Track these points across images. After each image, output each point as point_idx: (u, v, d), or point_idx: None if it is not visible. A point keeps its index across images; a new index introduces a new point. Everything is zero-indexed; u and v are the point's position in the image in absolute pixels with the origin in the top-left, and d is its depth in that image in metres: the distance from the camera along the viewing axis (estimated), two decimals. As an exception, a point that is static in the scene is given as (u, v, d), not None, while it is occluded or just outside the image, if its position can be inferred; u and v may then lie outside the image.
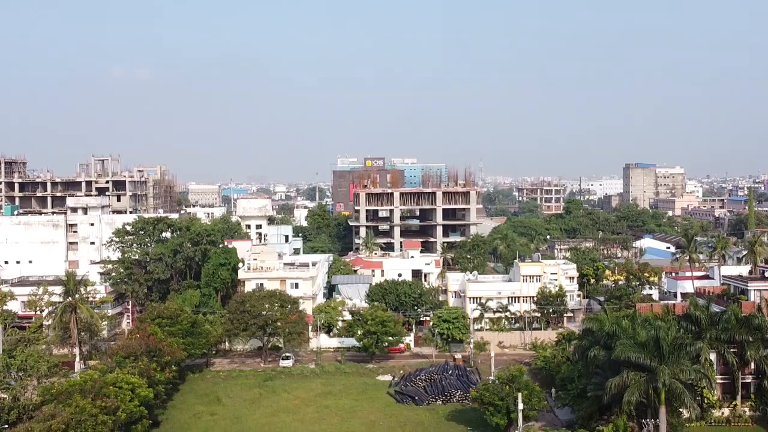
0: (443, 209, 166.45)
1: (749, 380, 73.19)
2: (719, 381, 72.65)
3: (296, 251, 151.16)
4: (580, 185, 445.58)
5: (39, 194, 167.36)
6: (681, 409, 63.56)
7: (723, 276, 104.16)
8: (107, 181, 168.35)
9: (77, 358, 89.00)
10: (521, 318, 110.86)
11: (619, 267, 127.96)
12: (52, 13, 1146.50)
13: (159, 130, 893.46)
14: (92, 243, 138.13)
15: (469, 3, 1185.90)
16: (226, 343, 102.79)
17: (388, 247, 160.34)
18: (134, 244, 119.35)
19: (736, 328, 70.64)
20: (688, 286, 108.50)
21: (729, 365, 71.53)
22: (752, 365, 72.40)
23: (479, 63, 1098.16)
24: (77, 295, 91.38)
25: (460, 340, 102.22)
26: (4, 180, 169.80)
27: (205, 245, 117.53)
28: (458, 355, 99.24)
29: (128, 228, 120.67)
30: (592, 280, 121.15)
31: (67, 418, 58.41)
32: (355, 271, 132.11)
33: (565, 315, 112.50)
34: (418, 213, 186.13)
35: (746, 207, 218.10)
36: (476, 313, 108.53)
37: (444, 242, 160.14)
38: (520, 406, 64.64)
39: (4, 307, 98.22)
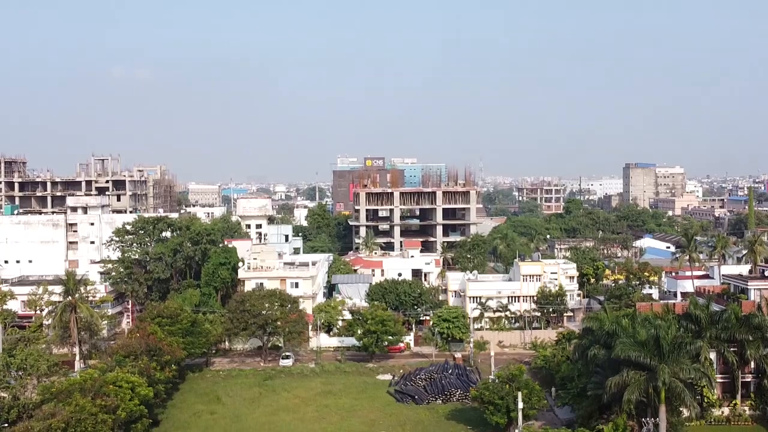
0: (443, 209, 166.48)
1: (749, 379, 73.21)
2: (719, 380, 72.70)
3: (296, 251, 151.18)
4: (580, 185, 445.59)
5: (39, 194, 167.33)
6: (681, 408, 63.53)
7: (723, 275, 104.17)
8: (107, 181, 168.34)
9: (77, 358, 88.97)
10: (521, 317, 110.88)
11: (619, 266, 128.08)
12: (52, 13, 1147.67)
13: (159, 130, 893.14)
14: (92, 242, 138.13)
15: (469, 3, 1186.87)
16: (226, 343, 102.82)
17: (388, 247, 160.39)
18: (134, 244, 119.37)
19: (736, 327, 70.63)
20: (688, 286, 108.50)
21: (729, 364, 71.55)
22: (752, 364, 72.43)
23: (479, 63, 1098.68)
24: (77, 295, 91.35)
25: (460, 340, 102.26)
26: (4, 179, 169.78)
27: (205, 245, 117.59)
28: (458, 355, 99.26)
29: (128, 227, 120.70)
30: (592, 280, 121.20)
31: (66, 416, 58.42)
32: (355, 270, 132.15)
33: (565, 314, 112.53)
34: (418, 213, 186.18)
35: (746, 207, 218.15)
36: (476, 313, 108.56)
37: (444, 242, 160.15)
38: (520, 405, 64.65)
39: (4, 307, 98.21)
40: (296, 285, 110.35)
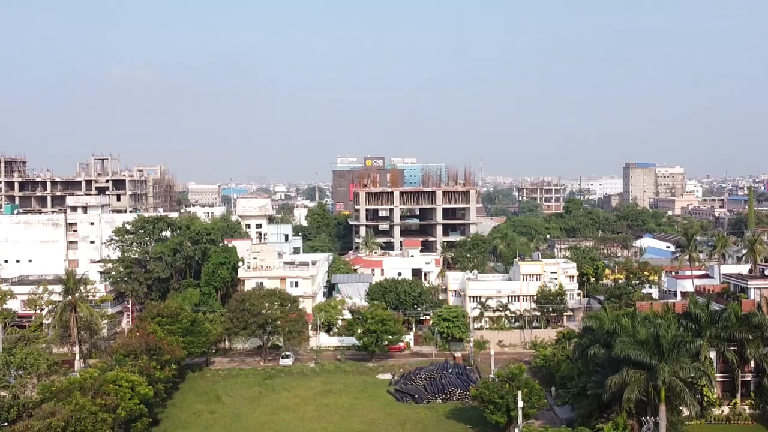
0: (443, 208, 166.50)
1: (749, 378, 73.21)
2: (719, 379, 72.70)
3: (296, 250, 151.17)
4: (579, 185, 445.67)
5: (39, 193, 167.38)
6: (681, 407, 63.54)
7: (723, 274, 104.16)
8: (107, 181, 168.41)
9: (77, 357, 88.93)
10: (521, 317, 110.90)
11: (619, 266, 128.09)
12: (52, 13, 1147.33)
13: (159, 130, 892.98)
14: (92, 242, 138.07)
15: (469, 3, 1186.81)
16: (226, 342, 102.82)
17: (388, 247, 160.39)
18: (134, 243, 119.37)
19: (736, 326, 70.64)
20: (688, 285, 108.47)
21: (729, 363, 71.56)
22: (752, 363, 72.45)
23: (479, 63, 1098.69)
24: (77, 294, 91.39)
25: (460, 339, 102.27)
26: (3, 179, 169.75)
27: (205, 244, 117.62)
28: (458, 354, 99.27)
29: (128, 227, 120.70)
30: (592, 279, 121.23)
31: (66, 415, 58.43)
32: (355, 270, 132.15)
33: (564, 314, 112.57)
34: (417, 212, 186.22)
35: (746, 206, 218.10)
36: (476, 312, 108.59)
37: (444, 241, 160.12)
38: (520, 403, 64.63)
39: (4, 306, 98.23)
40: (296, 284, 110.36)
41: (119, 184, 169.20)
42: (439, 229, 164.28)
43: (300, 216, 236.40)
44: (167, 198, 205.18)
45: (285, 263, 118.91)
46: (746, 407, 72.48)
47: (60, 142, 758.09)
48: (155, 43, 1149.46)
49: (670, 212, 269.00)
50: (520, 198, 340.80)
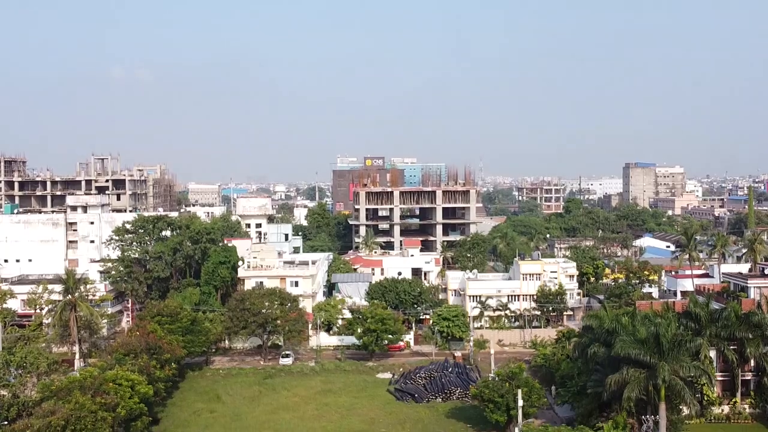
0: (443, 208, 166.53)
1: (749, 377, 73.24)
2: (719, 378, 72.69)
3: (296, 250, 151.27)
4: (579, 185, 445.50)
5: (39, 193, 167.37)
6: (681, 406, 63.60)
7: (723, 273, 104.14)
8: (107, 180, 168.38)
9: (77, 356, 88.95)
10: (521, 316, 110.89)
11: (618, 265, 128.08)
12: (52, 13, 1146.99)
13: (159, 130, 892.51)
14: (92, 241, 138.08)
15: (468, 3, 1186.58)
16: (226, 341, 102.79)
17: (388, 246, 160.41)
18: (134, 243, 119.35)
19: (736, 325, 70.65)
20: (687, 285, 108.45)
21: (729, 362, 71.55)
22: (752, 362, 72.48)
23: (479, 63, 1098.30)
24: (77, 293, 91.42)
25: (460, 338, 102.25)
26: (3, 179, 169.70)
27: (205, 243, 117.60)
28: (458, 353, 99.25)
29: (128, 226, 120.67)
30: (592, 279, 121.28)
31: (66, 414, 58.39)
32: (355, 269, 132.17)
33: (564, 313, 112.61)
34: (417, 212, 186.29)
35: (746, 206, 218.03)
36: (476, 312, 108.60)
37: (444, 241, 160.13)
38: (520, 402, 64.57)
39: (4, 306, 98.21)
40: (296, 284, 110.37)
41: (119, 184, 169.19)
42: (439, 229, 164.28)
43: (300, 216, 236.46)
44: (167, 198, 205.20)
45: (285, 263, 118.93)
46: (746, 406, 72.50)
47: (60, 141, 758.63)
48: (155, 43, 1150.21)
49: (670, 212, 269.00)
50: (520, 198, 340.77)
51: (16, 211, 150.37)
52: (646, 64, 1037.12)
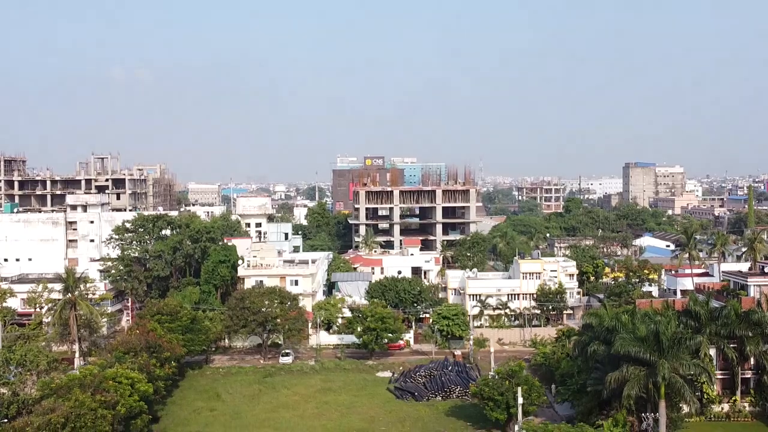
0: (443, 207, 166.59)
1: (749, 375, 73.14)
2: (719, 376, 72.63)
3: (296, 249, 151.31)
4: (579, 184, 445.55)
5: (38, 192, 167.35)
6: (681, 404, 63.63)
7: (723, 271, 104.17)
8: (107, 180, 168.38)
9: (77, 355, 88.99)
10: (521, 315, 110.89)
11: (618, 264, 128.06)
12: (52, 13, 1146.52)
13: (159, 130, 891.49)
14: (92, 240, 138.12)
15: (468, 3, 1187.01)
16: (226, 340, 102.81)
17: (388, 245, 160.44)
18: (134, 242, 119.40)
19: (736, 323, 70.61)
20: (687, 284, 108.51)
21: (729, 360, 71.54)
22: (752, 360, 72.40)
23: (479, 63, 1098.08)
24: (77, 292, 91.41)
25: (460, 337, 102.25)
26: (3, 178, 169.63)
27: (205, 242, 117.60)
28: (458, 352, 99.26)
29: (128, 225, 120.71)
30: (592, 278, 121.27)
31: (66, 411, 58.33)
32: (355, 268, 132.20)
33: (564, 312, 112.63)
34: (417, 211, 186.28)
35: (746, 206, 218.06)
36: (476, 310, 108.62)
37: (444, 240, 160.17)
38: (520, 400, 64.51)
39: (4, 304, 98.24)
40: (296, 283, 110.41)
41: (119, 183, 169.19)
42: (439, 228, 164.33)
43: (300, 215, 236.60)
44: (167, 197, 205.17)
45: (285, 261, 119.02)
46: (746, 404, 72.44)
47: (60, 141, 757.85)
48: (155, 43, 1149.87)
49: (669, 212, 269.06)
50: (520, 197, 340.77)
51: (16, 210, 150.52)
52: (645, 64, 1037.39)
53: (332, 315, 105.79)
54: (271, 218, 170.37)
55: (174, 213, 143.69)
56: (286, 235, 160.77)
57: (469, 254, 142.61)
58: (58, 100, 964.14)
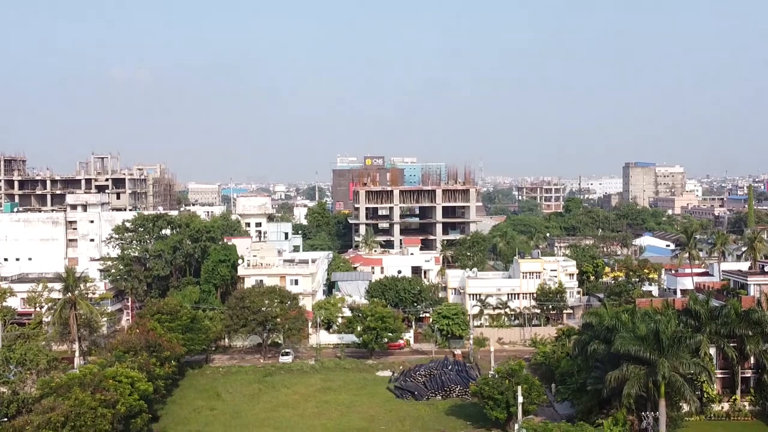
0: (443, 207, 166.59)
1: (749, 375, 73.16)
2: (719, 375, 72.62)
3: (296, 248, 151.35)
4: (579, 184, 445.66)
5: (38, 192, 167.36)
6: (681, 403, 63.60)
7: (723, 271, 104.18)
8: (107, 179, 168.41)
9: (77, 354, 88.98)
10: (521, 314, 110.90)
11: (618, 264, 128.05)
12: (52, 13, 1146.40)
13: (159, 130, 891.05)
14: (92, 240, 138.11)
15: (468, 3, 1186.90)
16: (226, 339, 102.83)
17: (388, 245, 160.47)
18: (134, 241, 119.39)
19: (736, 322, 70.63)
20: (687, 283, 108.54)
21: (729, 359, 71.55)
22: (752, 359, 72.41)
23: (479, 63, 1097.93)
24: (77, 292, 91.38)
25: (460, 337, 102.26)
26: (3, 178, 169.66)
27: (205, 242, 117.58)
28: (458, 351, 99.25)
29: (128, 225, 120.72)
30: (592, 277, 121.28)
31: (66, 410, 58.31)
32: (355, 268, 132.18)
33: (564, 312, 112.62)
34: (417, 211, 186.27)
35: (746, 206, 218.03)
36: (476, 310, 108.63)
37: (444, 240, 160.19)
38: (520, 399, 64.52)
39: (4, 304, 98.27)
40: (296, 282, 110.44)
41: (119, 183, 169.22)
42: (439, 228, 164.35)
43: (300, 215, 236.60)
44: (167, 197, 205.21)
45: (285, 261, 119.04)
46: (746, 403, 72.44)
47: (60, 141, 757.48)
48: (155, 43, 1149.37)
49: (669, 211, 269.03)
50: (520, 197, 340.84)
51: (15, 209, 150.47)
52: (645, 64, 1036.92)
53: (332, 314, 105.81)
54: (271, 218, 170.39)
55: (174, 213, 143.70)
56: (286, 234, 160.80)
57: (469, 254, 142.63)
58: (58, 100, 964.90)
